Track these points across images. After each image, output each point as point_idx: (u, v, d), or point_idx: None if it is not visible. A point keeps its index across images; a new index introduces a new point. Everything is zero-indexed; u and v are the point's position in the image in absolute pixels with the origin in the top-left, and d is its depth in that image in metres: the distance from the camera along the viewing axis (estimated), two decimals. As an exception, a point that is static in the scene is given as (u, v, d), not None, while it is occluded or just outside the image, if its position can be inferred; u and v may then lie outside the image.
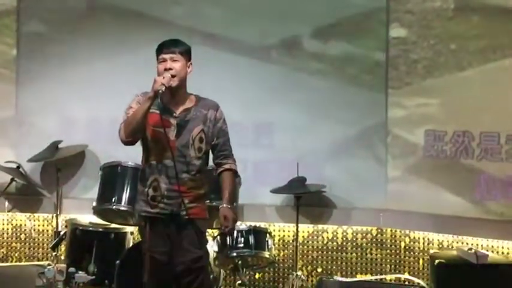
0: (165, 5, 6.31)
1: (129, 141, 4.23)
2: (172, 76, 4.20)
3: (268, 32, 6.18)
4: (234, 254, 5.57)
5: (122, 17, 6.36)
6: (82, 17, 6.44)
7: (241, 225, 5.72)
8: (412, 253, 5.97)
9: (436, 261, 4.98)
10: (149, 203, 4.26)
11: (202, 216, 4.37)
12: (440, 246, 5.79)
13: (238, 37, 6.22)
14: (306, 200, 5.89)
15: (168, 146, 4.19)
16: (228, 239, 5.39)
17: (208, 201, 4.56)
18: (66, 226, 5.90)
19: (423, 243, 5.92)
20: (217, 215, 4.53)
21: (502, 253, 5.48)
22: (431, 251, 5.61)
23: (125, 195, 5.66)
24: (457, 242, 5.68)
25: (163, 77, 4.16)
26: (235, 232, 5.16)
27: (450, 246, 5.70)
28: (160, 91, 4.11)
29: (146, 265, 4.32)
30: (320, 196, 6.00)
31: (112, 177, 5.76)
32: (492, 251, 5.36)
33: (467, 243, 5.57)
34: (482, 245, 5.50)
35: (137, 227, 4.61)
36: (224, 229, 4.28)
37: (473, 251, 5.02)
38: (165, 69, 4.22)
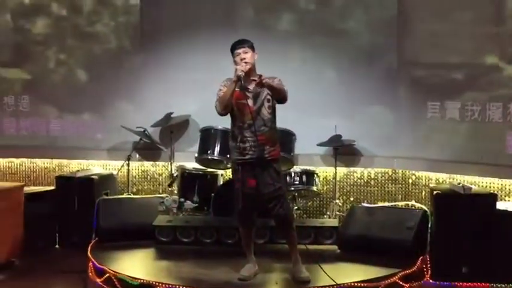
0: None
1: (223, 113, 4.32)
2: (246, 63, 4.25)
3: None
4: (292, 189, 5.60)
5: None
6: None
7: (297, 168, 5.72)
8: (417, 186, 5.89)
9: (434, 192, 4.90)
10: (241, 153, 4.31)
11: (278, 156, 4.39)
12: (437, 182, 5.69)
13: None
14: (342, 150, 5.85)
15: (249, 111, 4.24)
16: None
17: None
18: (177, 170, 5.94)
19: (425, 180, 5.83)
20: (282, 161, 4.63)
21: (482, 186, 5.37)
22: (431, 185, 5.53)
23: (217, 149, 5.69)
24: (450, 179, 5.57)
25: (241, 65, 4.24)
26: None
27: (444, 182, 5.61)
28: (241, 75, 4.18)
29: (239, 198, 4.36)
30: (351, 148, 5.93)
31: (207, 136, 5.78)
32: (475, 185, 5.25)
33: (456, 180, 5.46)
34: (467, 181, 5.37)
35: (231, 171, 4.60)
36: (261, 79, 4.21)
37: (461, 185, 4.95)
38: (241, 60, 4.27)
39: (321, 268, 4.49)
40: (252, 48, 4.37)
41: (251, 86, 4.34)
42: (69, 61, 6.58)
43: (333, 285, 4.28)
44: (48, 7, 6.58)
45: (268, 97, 4.33)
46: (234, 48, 4.36)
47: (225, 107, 4.28)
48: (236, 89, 4.26)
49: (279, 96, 4.32)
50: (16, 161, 6.82)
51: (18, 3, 6.64)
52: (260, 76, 4.25)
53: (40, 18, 6.59)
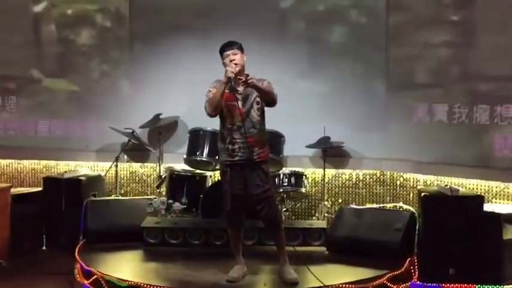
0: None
1: (213, 114, 4.31)
2: (235, 64, 4.25)
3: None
4: (281, 190, 5.62)
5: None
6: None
7: (286, 170, 5.73)
8: (405, 188, 5.92)
9: (422, 194, 4.91)
10: (230, 154, 4.31)
11: (267, 158, 4.39)
12: (425, 184, 5.73)
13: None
14: (330, 152, 5.86)
15: (238, 113, 4.25)
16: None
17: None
18: (166, 172, 5.94)
19: (413, 182, 5.87)
20: (271, 162, 4.63)
21: (469, 188, 5.44)
22: (418, 187, 5.55)
23: (206, 150, 5.68)
24: (437, 181, 5.60)
25: (231, 67, 4.23)
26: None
27: (432, 184, 5.64)
28: (231, 77, 4.18)
29: (228, 199, 4.36)
30: (340, 149, 5.96)
31: (196, 137, 5.77)
32: (462, 187, 5.28)
33: (444, 182, 5.50)
34: (454, 183, 5.41)
35: (219, 172, 4.62)
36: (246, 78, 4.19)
37: (448, 187, 4.95)
38: (230, 61, 4.27)
39: (309, 270, 4.50)
40: (241, 49, 4.37)
41: (240, 88, 4.34)
42: (113, 72, 6.55)
43: (320, 287, 4.29)
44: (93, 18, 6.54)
45: (258, 99, 4.33)
46: (223, 49, 4.35)
47: (215, 108, 4.28)
48: (226, 91, 4.26)
49: (268, 98, 4.32)
50: (3, 161, 6.79)
51: (63, 14, 6.56)
52: (247, 76, 4.25)
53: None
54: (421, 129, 5.73)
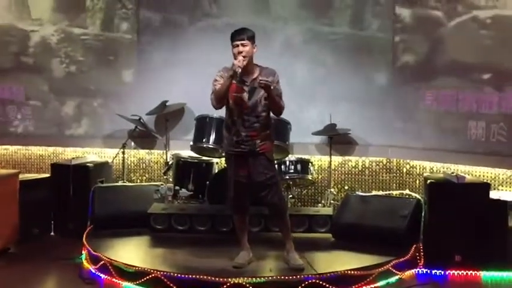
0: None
1: (218, 107, 4.32)
2: (244, 57, 4.20)
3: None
4: (287, 177, 5.62)
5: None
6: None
7: (292, 157, 5.72)
8: (411, 176, 5.92)
9: (428, 181, 4.91)
10: (234, 145, 4.33)
11: (269, 150, 4.40)
12: (431, 171, 5.72)
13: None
14: (336, 139, 5.86)
15: (243, 106, 4.24)
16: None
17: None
18: (172, 158, 5.94)
19: (419, 169, 5.86)
20: (277, 149, 4.61)
21: (475, 175, 5.43)
22: (425, 174, 5.53)
23: (212, 137, 5.67)
24: (443, 168, 5.60)
25: (239, 61, 4.18)
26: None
27: (438, 171, 5.64)
28: (238, 71, 4.16)
29: (232, 186, 4.39)
30: (346, 136, 5.94)
31: (203, 124, 5.75)
32: (468, 175, 5.28)
33: (450, 169, 5.49)
34: (461, 170, 5.41)
35: (224, 160, 4.65)
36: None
37: (454, 174, 4.95)
38: (238, 53, 4.22)
39: (305, 259, 4.47)
40: (252, 39, 4.28)
41: (248, 79, 4.31)
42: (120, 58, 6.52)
43: (322, 273, 4.29)
44: None
45: (266, 95, 4.28)
46: (233, 37, 4.28)
47: (220, 100, 4.28)
48: (233, 82, 4.24)
49: (274, 107, 4.30)
50: (11, 148, 6.83)
51: None
52: (259, 66, 4.22)
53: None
54: (428, 116, 5.72)
